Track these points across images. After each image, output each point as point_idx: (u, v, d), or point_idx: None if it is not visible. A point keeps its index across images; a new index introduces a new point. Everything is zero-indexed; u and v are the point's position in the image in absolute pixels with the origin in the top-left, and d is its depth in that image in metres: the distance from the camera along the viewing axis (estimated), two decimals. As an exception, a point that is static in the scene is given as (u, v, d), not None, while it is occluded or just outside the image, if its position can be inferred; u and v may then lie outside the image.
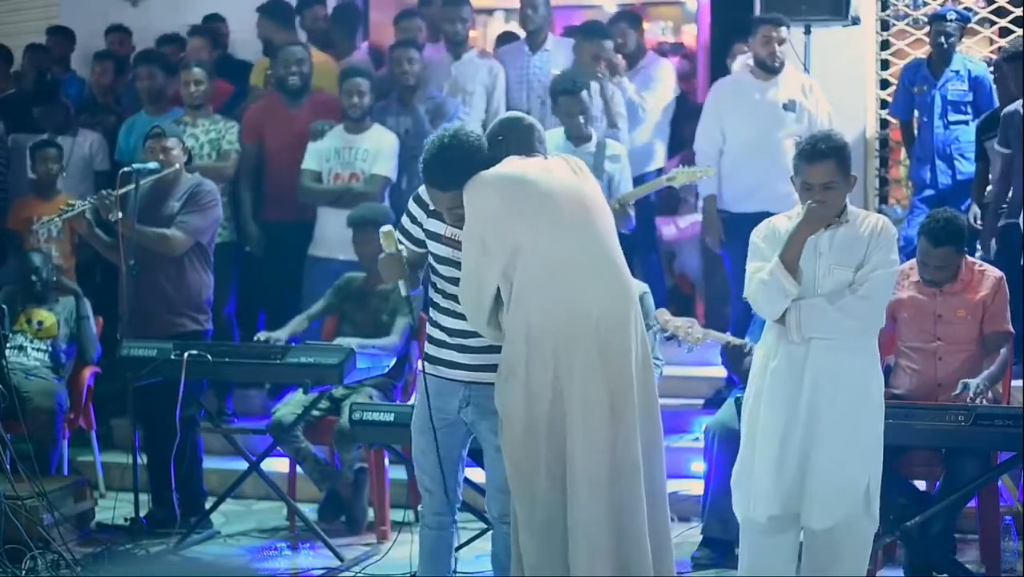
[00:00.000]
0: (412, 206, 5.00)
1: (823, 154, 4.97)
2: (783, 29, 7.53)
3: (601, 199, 4.94)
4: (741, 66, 7.88)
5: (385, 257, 5.04)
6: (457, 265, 4.85)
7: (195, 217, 6.81)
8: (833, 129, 5.12)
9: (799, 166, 5.03)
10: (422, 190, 4.98)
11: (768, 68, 7.56)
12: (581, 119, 7.16)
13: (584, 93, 7.14)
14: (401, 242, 5.02)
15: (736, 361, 6.12)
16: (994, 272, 6.18)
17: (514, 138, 4.93)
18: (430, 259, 4.99)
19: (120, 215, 6.57)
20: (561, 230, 4.75)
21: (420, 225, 4.97)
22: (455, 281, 4.87)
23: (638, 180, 7.66)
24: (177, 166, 6.87)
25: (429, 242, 4.96)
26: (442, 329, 4.97)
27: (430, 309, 5.05)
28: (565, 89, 7.14)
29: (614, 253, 4.85)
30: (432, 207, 4.93)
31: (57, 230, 8.00)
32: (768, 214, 7.39)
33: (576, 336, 4.70)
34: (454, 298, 4.90)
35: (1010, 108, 7.50)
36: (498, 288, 4.75)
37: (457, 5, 8.40)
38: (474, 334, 4.88)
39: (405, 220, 5.03)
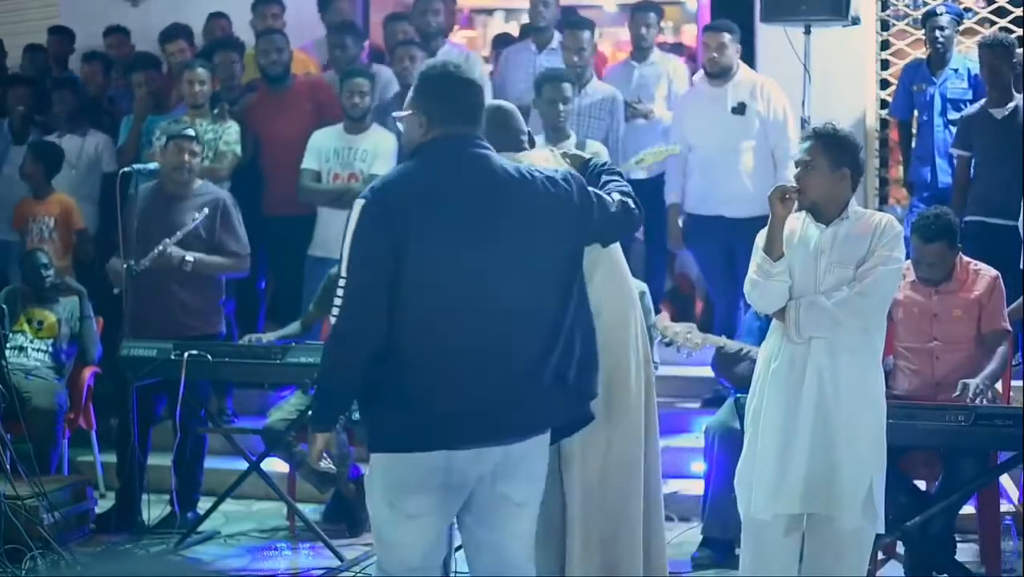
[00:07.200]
0: None
1: (808, 135, 5.12)
2: (724, 35, 7.66)
3: None
4: (701, 76, 7.94)
5: None
6: None
7: (240, 233, 7.01)
8: (834, 121, 5.15)
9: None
10: None
11: (713, 75, 7.69)
12: (561, 107, 7.22)
13: (567, 84, 7.19)
14: None
15: (726, 365, 6.10)
16: (989, 271, 6.17)
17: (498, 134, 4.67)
18: None
19: (192, 258, 6.77)
20: None
21: None
22: None
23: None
24: (196, 169, 6.94)
25: None
26: None
27: None
28: (552, 76, 7.23)
29: (614, 251, 4.85)
30: None
31: (49, 231, 8.01)
32: (722, 217, 7.53)
33: None
34: None
35: (968, 111, 7.54)
36: None
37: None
38: None
39: None
